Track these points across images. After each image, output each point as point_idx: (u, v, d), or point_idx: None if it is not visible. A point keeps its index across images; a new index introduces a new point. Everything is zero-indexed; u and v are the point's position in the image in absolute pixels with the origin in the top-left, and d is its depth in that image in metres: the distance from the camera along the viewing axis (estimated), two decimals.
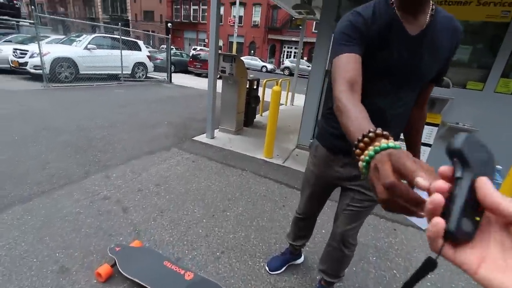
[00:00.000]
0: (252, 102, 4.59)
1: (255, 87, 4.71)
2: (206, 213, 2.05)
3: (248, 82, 4.38)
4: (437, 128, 3.01)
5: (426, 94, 1.00)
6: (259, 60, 21.28)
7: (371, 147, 0.40)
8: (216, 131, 4.04)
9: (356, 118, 0.55)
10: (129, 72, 8.33)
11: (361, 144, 0.42)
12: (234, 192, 2.41)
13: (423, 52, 0.81)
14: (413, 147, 1.09)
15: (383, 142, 0.39)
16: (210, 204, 2.17)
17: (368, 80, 0.82)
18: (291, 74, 18.16)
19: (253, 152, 3.41)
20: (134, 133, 3.60)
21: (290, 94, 7.51)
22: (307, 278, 1.60)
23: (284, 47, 26.97)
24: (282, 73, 20.04)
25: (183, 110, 5.33)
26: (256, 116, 5.14)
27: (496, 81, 2.73)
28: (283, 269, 1.59)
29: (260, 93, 5.16)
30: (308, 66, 16.23)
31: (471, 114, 2.87)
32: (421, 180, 0.30)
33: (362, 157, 0.40)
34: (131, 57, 8.23)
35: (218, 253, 1.66)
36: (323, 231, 2.04)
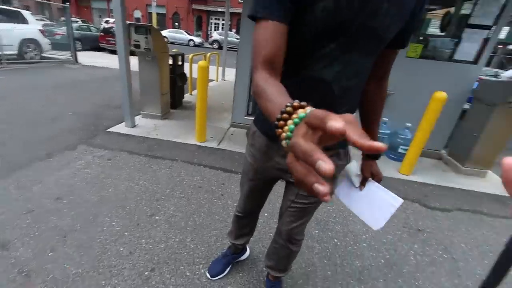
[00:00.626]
0: (178, 80, 4.10)
1: (180, 63, 4.18)
2: (128, 223, 1.70)
3: (171, 58, 3.84)
4: None
5: (387, 64, 0.81)
6: (185, 33, 19.56)
7: (290, 121, 0.34)
8: (137, 118, 3.48)
9: (273, 96, 0.46)
10: (15, 52, 6.54)
11: (281, 122, 0.35)
12: (163, 190, 2.08)
13: (380, 1, 0.60)
14: (370, 130, 0.91)
15: (301, 112, 0.33)
16: (133, 211, 1.82)
17: (308, 45, 0.65)
18: (220, 47, 17.35)
19: (184, 138, 3.06)
20: (20, 132, 2.79)
21: (220, 69, 7.10)
22: (253, 272, 1.47)
23: (211, 19, 25.35)
24: (211, 46, 18.96)
25: (93, 96, 4.45)
26: (185, 95, 4.67)
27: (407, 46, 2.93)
28: (226, 271, 1.42)
29: (187, 70, 4.66)
30: (238, 39, 15.64)
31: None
32: (333, 122, 0.25)
33: (284, 134, 0.34)
34: (15, 32, 6.41)
35: (147, 272, 1.38)
36: (266, 214, 1.94)
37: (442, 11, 3.30)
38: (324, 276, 1.51)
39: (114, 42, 10.33)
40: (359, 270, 1.58)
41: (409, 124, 3.03)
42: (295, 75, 0.69)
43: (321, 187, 0.26)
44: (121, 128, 3.16)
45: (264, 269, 1.45)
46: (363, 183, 0.96)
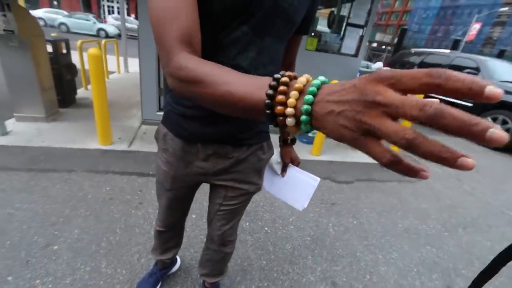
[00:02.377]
0: (65, 72, 3.34)
1: (64, 51, 3.41)
2: (11, 264, 1.29)
3: (50, 44, 3.06)
4: None
5: (294, 51, 0.81)
6: (92, 17, 16.09)
7: (294, 92, 0.29)
8: (10, 122, 2.68)
9: (230, 76, 0.37)
10: None
11: (280, 97, 0.29)
12: (61, 210, 1.67)
13: None
14: None
15: (313, 80, 0.29)
16: (18, 245, 1.39)
17: (217, 27, 0.58)
18: (108, 36, 15.12)
19: (83, 142, 2.54)
20: None
21: (122, 59, 6.22)
22: (187, 283, 1.36)
23: (103, 0, 21.83)
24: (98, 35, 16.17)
25: None
26: (79, 91, 3.88)
27: (305, 39, 3.22)
28: None
29: (77, 60, 3.87)
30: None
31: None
32: (490, 87, 0.19)
33: (290, 109, 0.29)
34: None
35: None
36: (193, 216, 1.83)
37: (326, 11, 3.79)
38: (260, 266, 1.54)
39: None
40: (290, 252, 1.68)
41: None
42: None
43: (470, 159, 0.20)
44: None
45: (199, 276, 1.37)
46: (284, 170, 0.99)
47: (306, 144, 3.43)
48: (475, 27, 22.62)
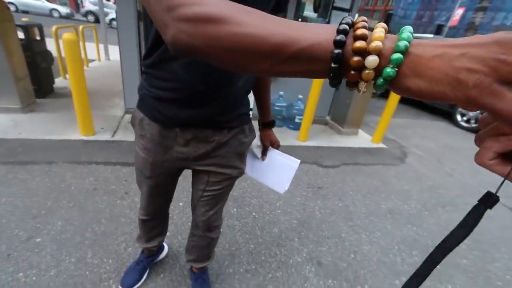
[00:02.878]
0: (40, 60, 3.18)
1: (38, 37, 3.23)
2: None
3: (21, 30, 2.88)
4: None
5: None
6: (44, 1, 15.22)
7: (375, 46, 0.23)
8: None
9: (277, 20, 0.28)
10: None
11: (357, 44, 0.23)
12: (42, 203, 1.63)
13: None
14: (264, 108, 0.94)
15: (405, 30, 0.23)
16: None
17: None
18: (98, 20, 14.49)
19: (63, 133, 2.45)
20: None
21: (102, 46, 5.96)
22: (176, 269, 1.37)
23: None
24: (86, 19, 15.55)
25: None
26: (56, 80, 3.70)
27: None
28: (144, 277, 1.26)
29: (53, 47, 3.67)
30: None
31: None
32: None
33: (369, 73, 0.24)
34: None
35: None
36: (180, 204, 1.82)
37: None
38: (248, 250, 1.56)
39: None
40: (277, 235, 1.72)
41: (300, 96, 3.39)
42: None
43: None
44: None
45: (187, 262, 1.38)
46: (264, 153, 1.00)
47: (293, 130, 3.44)
48: (458, 12, 22.94)
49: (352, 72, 0.25)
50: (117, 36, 2.73)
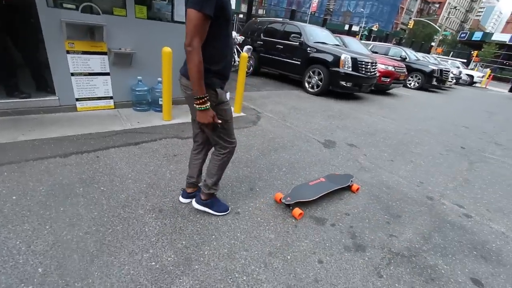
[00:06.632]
0: None
1: None
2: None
3: None
4: (106, 56, 3.21)
5: None
6: None
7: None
8: None
9: (202, 73, 1.30)
10: None
11: (201, 101, 1.34)
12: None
13: None
14: None
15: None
16: None
17: (228, 22, 1.38)
18: None
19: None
20: None
21: None
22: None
23: None
24: None
25: None
26: None
27: (133, 7, 3.22)
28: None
29: None
30: None
31: (129, 39, 3.31)
32: None
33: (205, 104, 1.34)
34: None
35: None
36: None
37: None
38: (90, 217, 1.69)
39: None
40: (124, 199, 1.90)
41: (160, 79, 3.54)
42: (221, 41, 1.38)
43: None
44: None
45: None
46: None
47: (159, 112, 3.59)
48: (315, 0, 27.39)
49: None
50: None
